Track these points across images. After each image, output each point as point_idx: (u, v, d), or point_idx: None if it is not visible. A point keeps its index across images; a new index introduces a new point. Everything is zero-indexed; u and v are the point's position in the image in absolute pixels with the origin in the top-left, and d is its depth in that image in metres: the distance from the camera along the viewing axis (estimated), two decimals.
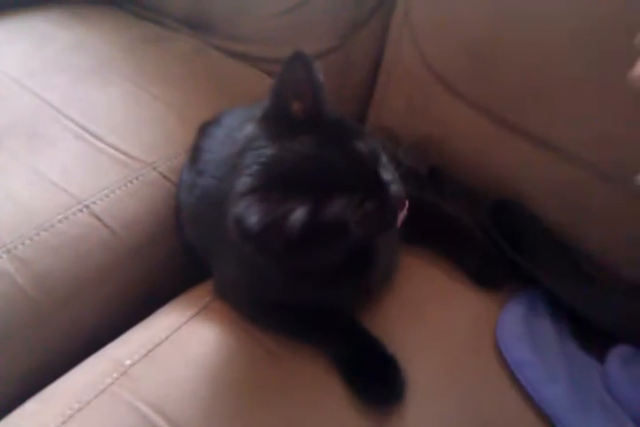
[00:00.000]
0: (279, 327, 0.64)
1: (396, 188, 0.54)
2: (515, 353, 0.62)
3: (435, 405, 0.59)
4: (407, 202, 0.54)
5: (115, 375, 0.60)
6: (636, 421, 0.58)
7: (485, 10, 0.73)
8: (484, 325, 0.65)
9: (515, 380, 0.60)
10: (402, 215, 0.55)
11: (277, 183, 0.50)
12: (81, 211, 0.71)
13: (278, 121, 0.54)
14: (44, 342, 0.68)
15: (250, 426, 0.57)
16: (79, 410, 0.57)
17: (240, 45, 0.98)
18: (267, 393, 0.60)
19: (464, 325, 0.66)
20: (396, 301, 0.66)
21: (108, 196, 0.73)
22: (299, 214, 0.48)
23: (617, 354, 0.63)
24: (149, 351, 0.62)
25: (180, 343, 0.63)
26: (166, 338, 0.63)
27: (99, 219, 0.71)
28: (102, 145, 0.78)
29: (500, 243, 0.69)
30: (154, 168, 0.77)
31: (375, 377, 0.59)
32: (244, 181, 0.50)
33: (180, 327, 0.64)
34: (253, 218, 0.46)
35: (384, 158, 0.54)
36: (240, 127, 0.60)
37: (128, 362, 0.61)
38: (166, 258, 0.75)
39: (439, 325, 0.65)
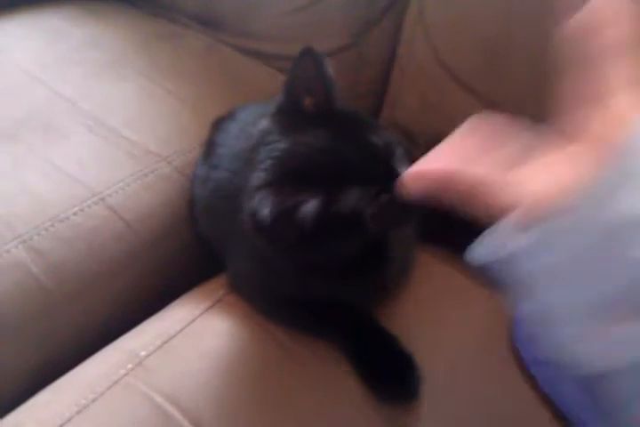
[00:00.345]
0: (292, 321, 0.64)
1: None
2: (531, 351, 0.61)
3: (449, 402, 0.59)
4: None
5: (129, 366, 0.60)
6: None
7: (499, 7, 0.73)
8: (500, 322, 0.64)
9: (530, 378, 0.60)
10: (419, 210, 0.54)
11: (291, 177, 0.50)
12: (96, 203, 0.71)
13: (291, 116, 0.55)
14: (56, 332, 0.68)
15: (262, 418, 0.57)
16: (94, 400, 0.57)
17: (252, 43, 0.98)
18: (279, 386, 0.59)
19: (480, 322, 0.65)
20: (412, 298, 0.66)
21: (123, 189, 0.73)
22: (311, 206, 0.48)
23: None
24: (164, 343, 0.62)
25: (195, 336, 0.63)
26: (181, 330, 0.63)
27: (114, 211, 0.71)
28: (117, 139, 0.78)
29: None
30: (168, 162, 0.77)
31: (390, 374, 0.58)
32: (257, 176, 0.51)
33: (194, 320, 0.64)
34: (266, 210, 0.46)
35: (399, 151, 0.54)
36: (254, 122, 0.61)
37: (143, 353, 0.61)
38: (180, 251, 0.76)
39: (455, 322, 0.65)
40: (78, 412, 0.56)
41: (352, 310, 0.63)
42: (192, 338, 0.63)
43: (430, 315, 0.65)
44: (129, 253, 0.71)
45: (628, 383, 0.38)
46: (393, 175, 0.52)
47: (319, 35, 0.94)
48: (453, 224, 0.70)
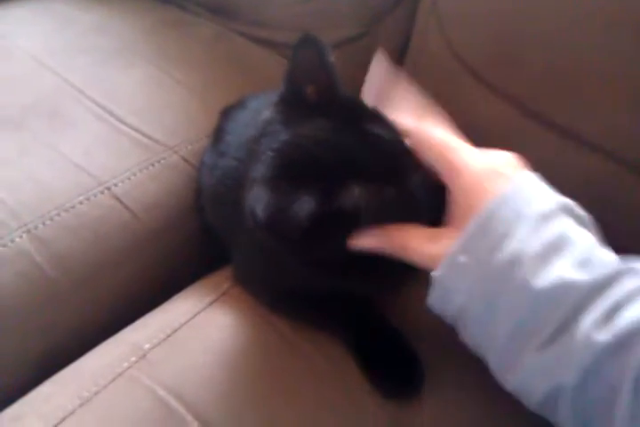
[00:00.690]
0: (295, 314, 0.63)
1: (419, 175, 0.51)
2: None
3: (453, 396, 0.58)
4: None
5: (133, 359, 0.59)
6: None
7: None
8: None
9: None
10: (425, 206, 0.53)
11: (289, 171, 0.48)
12: (102, 192, 0.70)
13: (293, 106, 0.53)
14: (60, 323, 0.68)
15: (266, 411, 0.57)
16: (96, 393, 0.56)
17: (263, 31, 0.97)
18: (284, 380, 0.59)
19: None
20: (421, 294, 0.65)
21: (129, 178, 0.72)
22: (306, 204, 0.46)
23: None
24: (168, 336, 0.61)
25: (199, 329, 0.62)
26: (185, 323, 0.62)
27: (119, 201, 0.71)
28: (124, 127, 0.77)
29: None
30: (175, 152, 0.76)
31: (393, 370, 0.58)
32: (256, 169, 0.49)
33: (199, 313, 0.64)
34: (261, 208, 0.46)
35: (402, 144, 0.52)
36: (262, 111, 0.60)
37: (146, 346, 0.60)
38: (185, 242, 0.75)
39: None
40: (81, 405, 0.55)
41: (357, 303, 0.62)
42: (196, 331, 0.62)
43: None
44: (134, 243, 0.71)
45: (563, 408, 0.40)
46: (398, 169, 0.51)
47: (331, 24, 0.93)
48: None
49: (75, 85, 0.82)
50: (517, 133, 0.76)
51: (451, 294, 0.47)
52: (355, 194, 0.48)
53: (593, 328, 0.40)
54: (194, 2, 1.02)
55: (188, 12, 1.02)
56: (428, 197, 0.51)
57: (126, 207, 0.71)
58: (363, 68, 0.94)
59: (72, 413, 0.55)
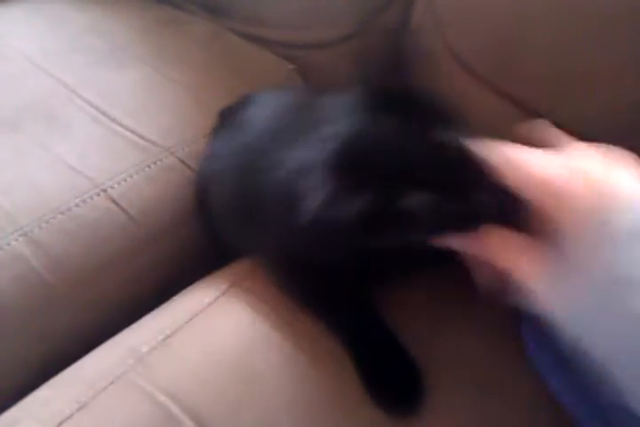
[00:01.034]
0: (305, 297, 0.61)
1: (483, 195, 0.48)
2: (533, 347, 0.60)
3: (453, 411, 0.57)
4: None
5: (130, 362, 0.59)
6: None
7: None
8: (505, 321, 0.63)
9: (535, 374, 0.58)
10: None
11: (347, 166, 0.47)
12: (98, 195, 0.70)
13: (367, 99, 0.52)
14: (58, 327, 0.67)
15: (266, 416, 0.56)
16: (94, 397, 0.56)
17: (259, 30, 0.96)
18: (283, 383, 0.58)
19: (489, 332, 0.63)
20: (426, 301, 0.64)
21: (125, 180, 0.72)
22: (360, 202, 0.45)
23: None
24: (166, 338, 0.61)
25: (197, 331, 0.62)
26: (183, 325, 0.62)
27: (116, 203, 0.70)
28: (119, 128, 0.77)
29: None
30: (171, 153, 0.76)
31: (391, 381, 0.56)
32: (310, 157, 0.48)
33: (197, 315, 0.63)
34: (311, 201, 0.45)
35: (472, 157, 0.48)
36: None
37: (144, 349, 0.60)
38: (183, 244, 0.75)
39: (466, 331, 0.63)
40: (78, 409, 0.55)
41: (364, 308, 0.60)
42: (194, 334, 0.62)
43: (441, 320, 0.63)
44: (131, 246, 0.70)
45: None
46: (460, 185, 0.48)
47: (326, 22, 0.93)
48: None
49: (69, 86, 0.81)
50: (514, 129, 0.76)
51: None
52: (413, 202, 0.46)
53: None
54: (189, 0, 1.01)
55: (182, 10, 1.01)
56: (494, 217, 0.48)
57: (123, 210, 0.70)
58: (357, 67, 0.95)
59: (70, 417, 0.54)
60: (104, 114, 0.78)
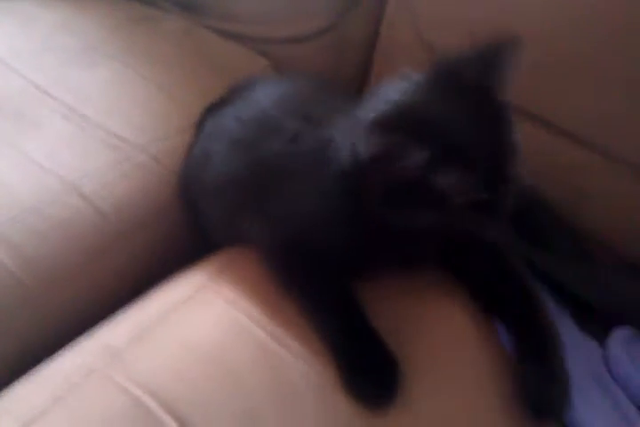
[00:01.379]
0: (299, 284, 0.62)
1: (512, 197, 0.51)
2: None
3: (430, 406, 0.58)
4: None
5: (106, 357, 0.58)
6: (636, 399, 0.58)
7: None
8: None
9: None
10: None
11: (408, 125, 0.48)
12: (70, 193, 0.69)
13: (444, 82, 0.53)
14: (34, 326, 0.67)
15: (245, 410, 0.56)
16: (70, 392, 0.55)
17: (233, 25, 0.96)
18: (261, 375, 0.58)
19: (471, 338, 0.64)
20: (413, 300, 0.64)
21: (97, 178, 0.71)
22: (414, 161, 0.46)
23: (617, 336, 0.63)
24: (142, 332, 0.60)
25: (174, 325, 0.62)
26: (160, 319, 0.62)
27: (88, 202, 0.70)
28: (91, 127, 0.76)
29: None
30: (143, 150, 0.75)
31: (370, 375, 0.57)
32: (366, 111, 0.50)
33: (174, 309, 0.63)
34: (369, 149, 0.46)
35: (521, 160, 0.51)
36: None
37: (120, 343, 0.59)
38: (158, 241, 0.74)
39: (448, 334, 0.64)
40: (54, 404, 0.55)
41: (349, 301, 0.60)
42: (171, 327, 0.61)
43: (425, 322, 0.64)
44: (105, 244, 0.70)
45: None
46: (501, 178, 0.50)
47: (301, 16, 0.93)
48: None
49: (40, 86, 0.81)
50: None
51: None
52: (451, 179, 0.48)
53: None
54: None
55: (156, 7, 1.01)
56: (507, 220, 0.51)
57: (95, 208, 0.70)
58: (333, 61, 0.94)
59: (45, 412, 0.54)
60: (75, 112, 0.78)
